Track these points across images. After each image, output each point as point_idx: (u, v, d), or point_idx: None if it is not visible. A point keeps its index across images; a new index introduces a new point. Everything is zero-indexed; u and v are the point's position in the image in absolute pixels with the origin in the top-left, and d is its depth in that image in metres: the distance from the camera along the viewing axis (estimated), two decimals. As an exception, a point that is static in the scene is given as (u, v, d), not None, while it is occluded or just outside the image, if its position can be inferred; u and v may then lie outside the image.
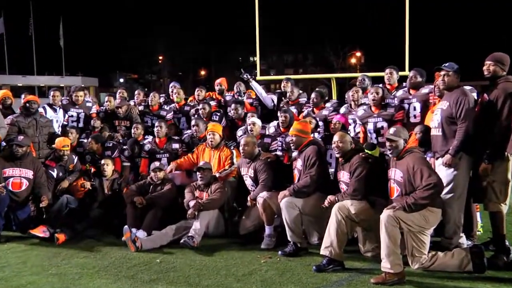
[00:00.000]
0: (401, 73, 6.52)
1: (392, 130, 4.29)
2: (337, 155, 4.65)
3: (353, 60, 44.18)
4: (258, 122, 6.04)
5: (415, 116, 5.41)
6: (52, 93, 7.23)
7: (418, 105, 5.39)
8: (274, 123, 6.33)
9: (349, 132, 5.55)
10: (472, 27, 38.29)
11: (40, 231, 5.34)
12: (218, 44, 48.03)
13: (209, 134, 5.90)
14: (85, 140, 6.68)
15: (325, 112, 6.26)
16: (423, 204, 3.94)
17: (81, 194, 5.97)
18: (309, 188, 4.75)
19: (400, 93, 5.66)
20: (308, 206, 4.75)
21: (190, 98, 7.88)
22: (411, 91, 5.53)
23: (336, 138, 4.62)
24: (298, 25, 40.34)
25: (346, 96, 7.12)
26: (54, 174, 6.08)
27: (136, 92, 8.17)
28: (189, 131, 6.80)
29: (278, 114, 6.22)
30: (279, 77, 12.41)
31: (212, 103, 7.29)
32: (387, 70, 6.11)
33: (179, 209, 5.48)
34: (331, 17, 37.64)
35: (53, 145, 6.20)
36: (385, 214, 3.96)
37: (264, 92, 7.13)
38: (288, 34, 41.86)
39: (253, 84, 7.07)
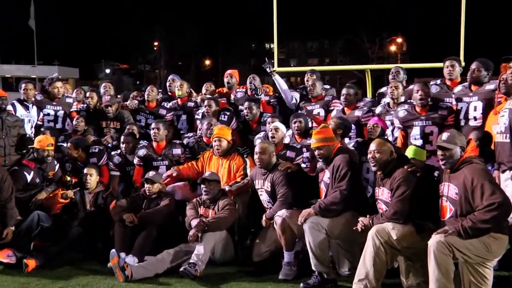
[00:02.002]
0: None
1: (445, 135, 4.24)
2: (374, 168, 4.61)
3: (392, 48, 44.13)
4: (282, 128, 6.00)
5: (475, 118, 5.38)
6: (23, 85, 7.16)
7: (479, 105, 5.35)
8: (290, 131, 6.33)
9: (386, 137, 5.53)
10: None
11: (4, 256, 5.34)
12: (226, 28, 48.37)
13: (215, 140, 5.91)
14: (65, 144, 6.69)
15: (358, 112, 6.23)
16: (484, 228, 3.87)
17: (58, 208, 5.96)
18: (339, 205, 4.73)
19: (458, 89, 5.66)
20: (338, 228, 4.73)
21: (194, 95, 7.88)
22: (473, 87, 5.52)
23: (372, 146, 4.58)
24: (325, 5, 40.39)
25: (378, 94, 7.10)
26: (29, 177, 5.99)
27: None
28: (191, 134, 6.81)
29: (290, 120, 6.17)
30: (301, 69, 12.45)
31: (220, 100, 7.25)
32: (448, 62, 6.02)
33: (179, 230, 5.51)
34: (365, -5, 37.65)
35: (31, 146, 6.17)
36: (434, 240, 3.91)
37: (287, 88, 7.12)
38: (312, 16, 41.90)
39: (276, 77, 7.06)
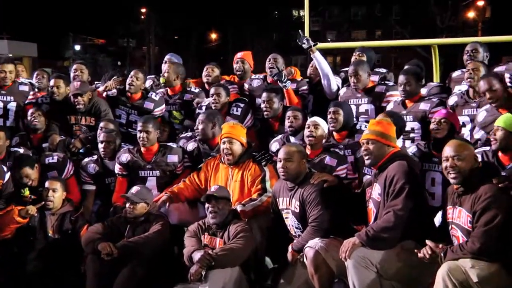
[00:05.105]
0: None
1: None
2: (454, 181, 4.51)
3: (470, 15, 43.82)
4: (324, 125, 6.01)
5: None
6: None
7: None
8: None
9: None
10: None
11: None
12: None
13: (223, 143, 5.92)
14: (21, 150, 6.68)
15: (424, 105, 6.22)
16: None
17: (11, 232, 5.93)
18: (394, 232, 4.71)
19: None
20: (393, 265, 4.73)
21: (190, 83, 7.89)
22: None
23: (450, 150, 4.49)
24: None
25: (449, 79, 7.10)
26: None
27: (102, 80, 8.04)
28: (189, 133, 6.88)
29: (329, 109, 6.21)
30: (342, 45, 12.39)
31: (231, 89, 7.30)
32: None
33: (174, 265, 5.56)
34: None
35: None
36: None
37: (330, 70, 7.12)
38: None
39: (316, 55, 7.04)
